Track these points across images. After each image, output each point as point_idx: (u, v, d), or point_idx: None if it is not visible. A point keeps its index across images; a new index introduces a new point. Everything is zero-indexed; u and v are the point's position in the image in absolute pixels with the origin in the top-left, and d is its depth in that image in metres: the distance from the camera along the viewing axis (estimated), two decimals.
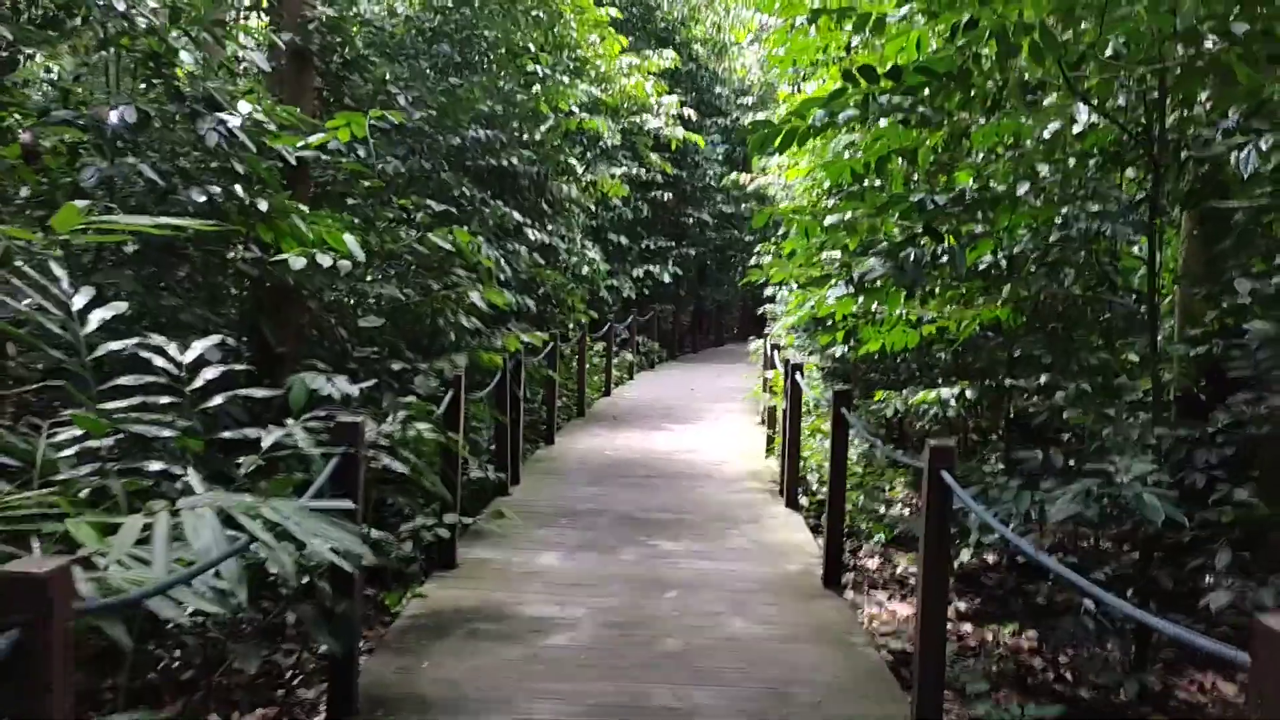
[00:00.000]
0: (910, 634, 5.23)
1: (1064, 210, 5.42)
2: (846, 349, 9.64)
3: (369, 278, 6.57)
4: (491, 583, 5.30)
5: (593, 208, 13.58)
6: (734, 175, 15.79)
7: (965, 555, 5.54)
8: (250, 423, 4.36)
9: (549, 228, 11.96)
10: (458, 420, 5.39)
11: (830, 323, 7.98)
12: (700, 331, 24.27)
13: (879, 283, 5.50)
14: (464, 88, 7.49)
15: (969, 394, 6.42)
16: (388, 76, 7.08)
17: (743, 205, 22.04)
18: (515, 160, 9.90)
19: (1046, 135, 5.68)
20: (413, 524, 4.77)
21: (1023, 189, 4.85)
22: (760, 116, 14.37)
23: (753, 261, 18.60)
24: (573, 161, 11.24)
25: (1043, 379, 6.22)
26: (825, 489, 7.97)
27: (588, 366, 13.48)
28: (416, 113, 6.81)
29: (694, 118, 13.87)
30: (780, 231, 18.82)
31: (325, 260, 4.49)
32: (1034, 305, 6.07)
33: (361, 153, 5.97)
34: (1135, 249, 6.24)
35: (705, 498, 7.60)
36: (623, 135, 12.52)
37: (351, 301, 6.57)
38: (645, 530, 6.51)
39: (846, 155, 10.18)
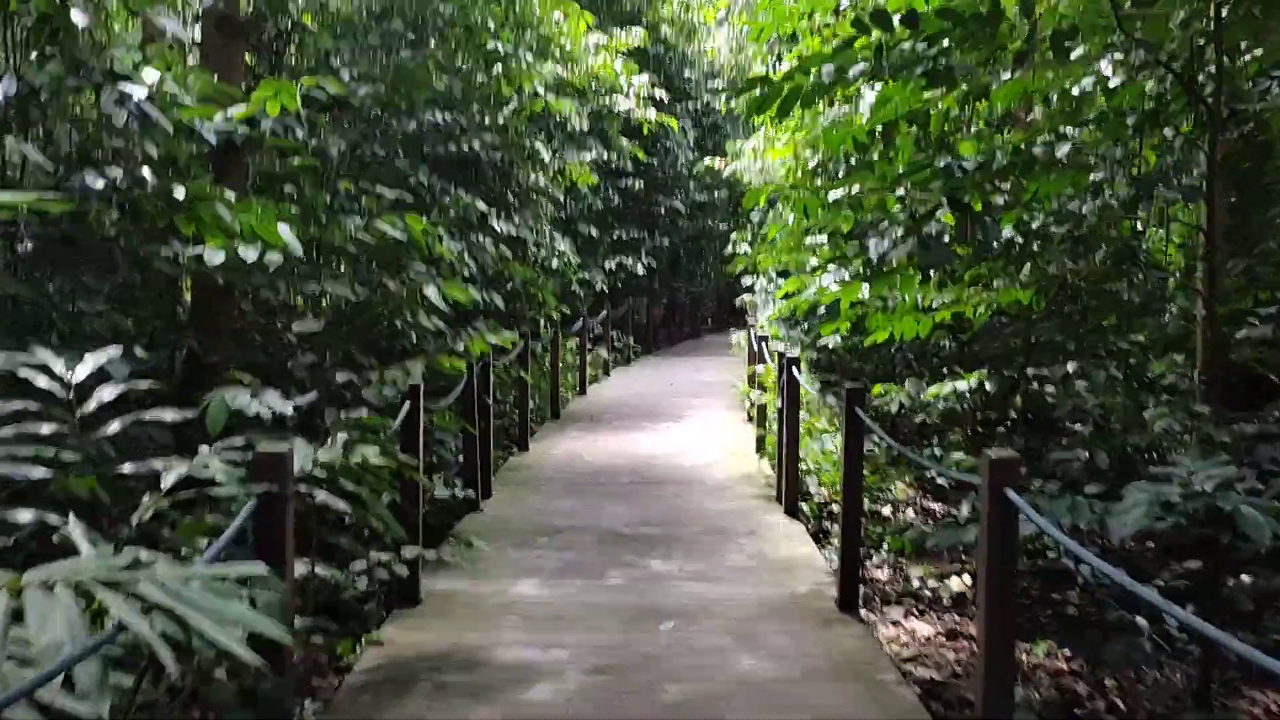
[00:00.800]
0: (937, 657, 4.60)
1: (1098, 176, 4.81)
2: (838, 339, 9.02)
3: (318, 274, 5.84)
4: (461, 621, 4.61)
5: (561, 197, 12.88)
6: (707, 161, 15.13)
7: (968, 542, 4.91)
8: (176, 450, 3.66)
9: (516, 219, 11.25)
10: (416, 437, 4.68)
11: (821, 312, 7.34)
12: (675, 324, 23.60)
13: (894, 264, 4.86)
14: (416, 64, 6.75)
15: (988, 386, 5.81)
16: (330, 49, 6.34)
17: (716, 193, 21.40)
18: (476, 145, 9.17)
19: (1076, 93, 5.06)
20: (364, 563, 4.07)
21: (1063, 150, 4.21)
22: (735, 102, 13.62)
23: (728, 250, 17.98)
24: (539, 147, 10.51)
25: (1070, 367, 5.62)
26: (825, 491, 7.37)
27: (561, 365, 12.78)
28: (362, 88, 6.07)
29: (665, 99, 13.18)
30: (758, 220, 18.21)
31: (249, 254, 3.77)
32: (1060, 285, 5.46)
33: (299, 132, 5.24)
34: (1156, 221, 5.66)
35: (696, 507, 6.94)
36: (591, 119, 11.80)
37: (301, 302, 5.85)
38: (633, 548, 5.84)
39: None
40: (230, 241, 3.93)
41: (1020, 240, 5.55)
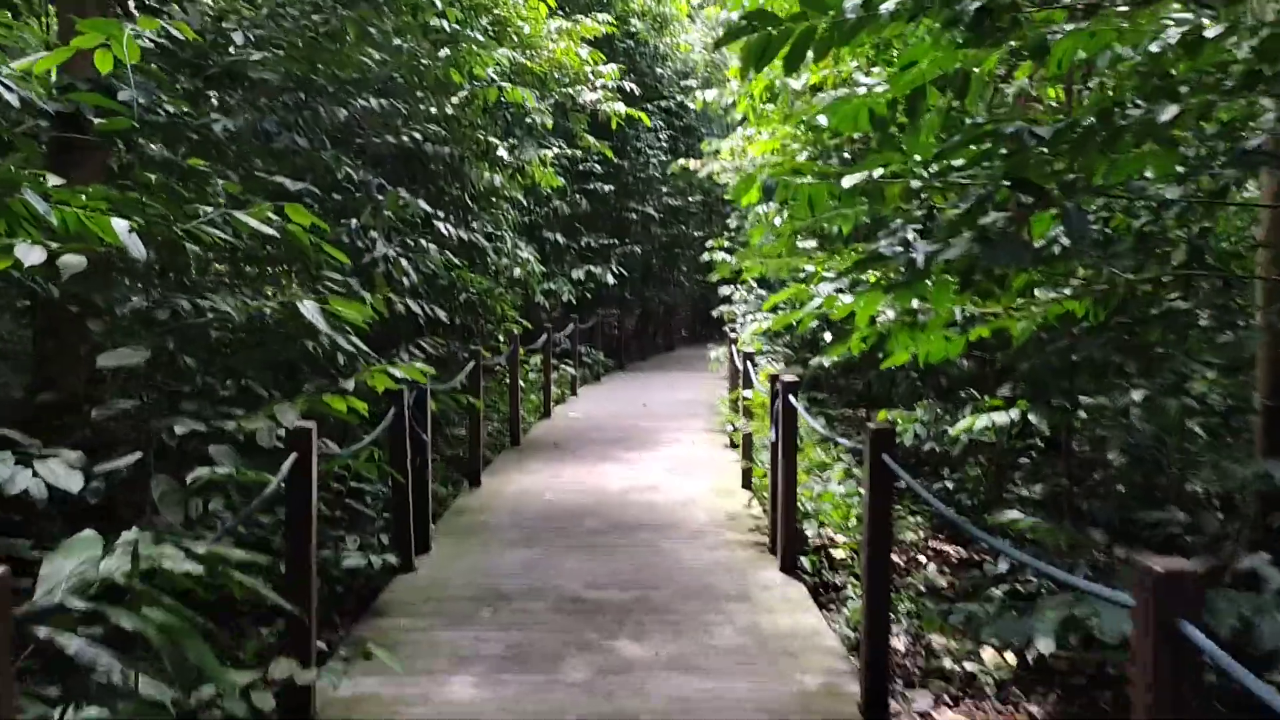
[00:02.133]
0: None
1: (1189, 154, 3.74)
2: (825, 359, 7.92)
3: (192, 283, 4.65)
4: None
5: (522, 199, 11.73)
6: (681, 162, 14.04)
7: (1043, 647, 3.79)
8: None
9: (473, 224, 10.10)
10: (306, 503, 3.51)
11: (808, 326, 6.24)
12: (648, 336, 22.45)
13: (927, 268, 3.74)
14: (335, 26, 5.58)
15: (1033, 419, 4.71)
16: (222, 10, 5.17)
17: (690, 198, 20.33)
18: (419, 136, 8.01)
19: (1154, 48, 3.98)
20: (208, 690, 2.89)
21: (1167, 114, 3.12)
22: (710, 95, 12.58)
23: (704, 257, 16.89)
24: (493, 141, 9.36)
25: (1136, 395, 4.54)
26: (827, 533, 6.26)
27: (523, 384, 11.61)
28: (255, 53, 4.89)
29: (636, 92, 12.06)
30: (735, 225, 17.13)
31: (33, 255, 2.61)
32: (1129, 294, 4.37)
33: (141, 98, 4.06)
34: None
35: (675, 561, 5.79)
36: (554, 112, 10.68)
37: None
38: (597, 623, 4.68)
39: (822, 118, 8.49)
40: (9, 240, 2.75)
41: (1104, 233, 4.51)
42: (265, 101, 6.92)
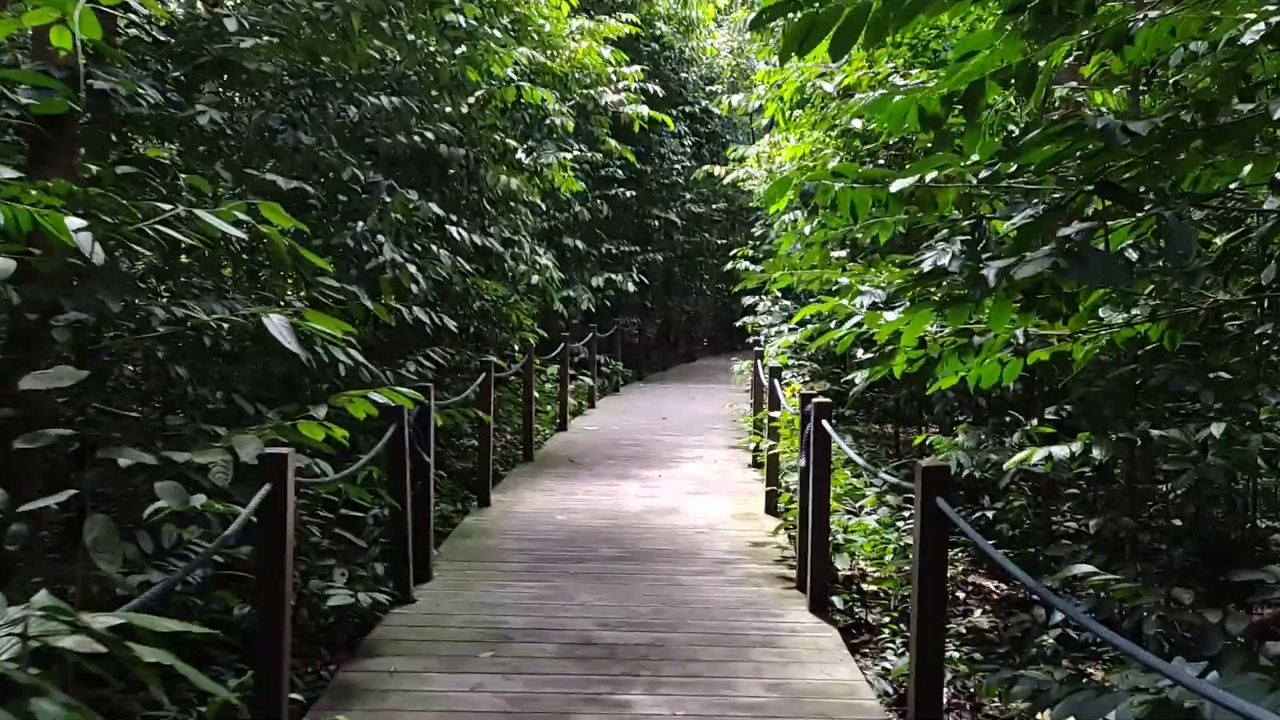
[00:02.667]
0: None
1: None
2: (859, 376, 7.44)
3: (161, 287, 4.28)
4: None
5: (541, 204, 11.34)
6: (706, 168, 13.61)
7: None
8: None
9: (490, 229, 9.71)
10: (280, 539, 3.09)
11: (827, 341, 5.81)
12: (669, 346, 21.97)
13: (987, 284, 3.28)
14: (337, 15, 5.19)
15: (1096, 453, 4.23)
16: None
17: (713, 205, 19.89)
18: (432, 136, 7.62)
19: (1248, 39, 3.52)
20: None
21: None
22: (736, 99, 12.16)
23: (728, 266, 16.43)
24: (511, 143, 8.97)
25: (1215, 430, 4.05)
26: (859, 565, 5.79)
27: (538, 395, 11.19)
28: (248, 40, 4.49)
29: (660, 93, 11.63)
30: (759, 234, 16.68)
31: None
32: (1214, 315, 3.89)
33: (121, 88, 3.67)
34: None
35: (696, 597, 5.33)
36: (574, 114, 10.27)
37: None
38: (609, 672, 4.24)
39: (856, 123, 8.01)
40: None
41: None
42: (270, 98, 6.56)
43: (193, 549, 3.61)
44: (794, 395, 7.61)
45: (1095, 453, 4.19)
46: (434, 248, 7.40)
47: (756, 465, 9.20)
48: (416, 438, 5.22)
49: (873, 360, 5.01)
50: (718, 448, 10.48)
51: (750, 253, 16.38)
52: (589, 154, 10.51)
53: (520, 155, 9.70)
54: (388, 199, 6.71)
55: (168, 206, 2.79)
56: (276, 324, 2.71)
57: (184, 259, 6.34)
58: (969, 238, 4.58)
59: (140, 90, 4.11)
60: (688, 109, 18.18)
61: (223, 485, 2.63)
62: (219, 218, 2.77)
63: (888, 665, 4.43)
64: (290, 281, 5.35)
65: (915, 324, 3.86)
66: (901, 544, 5.48)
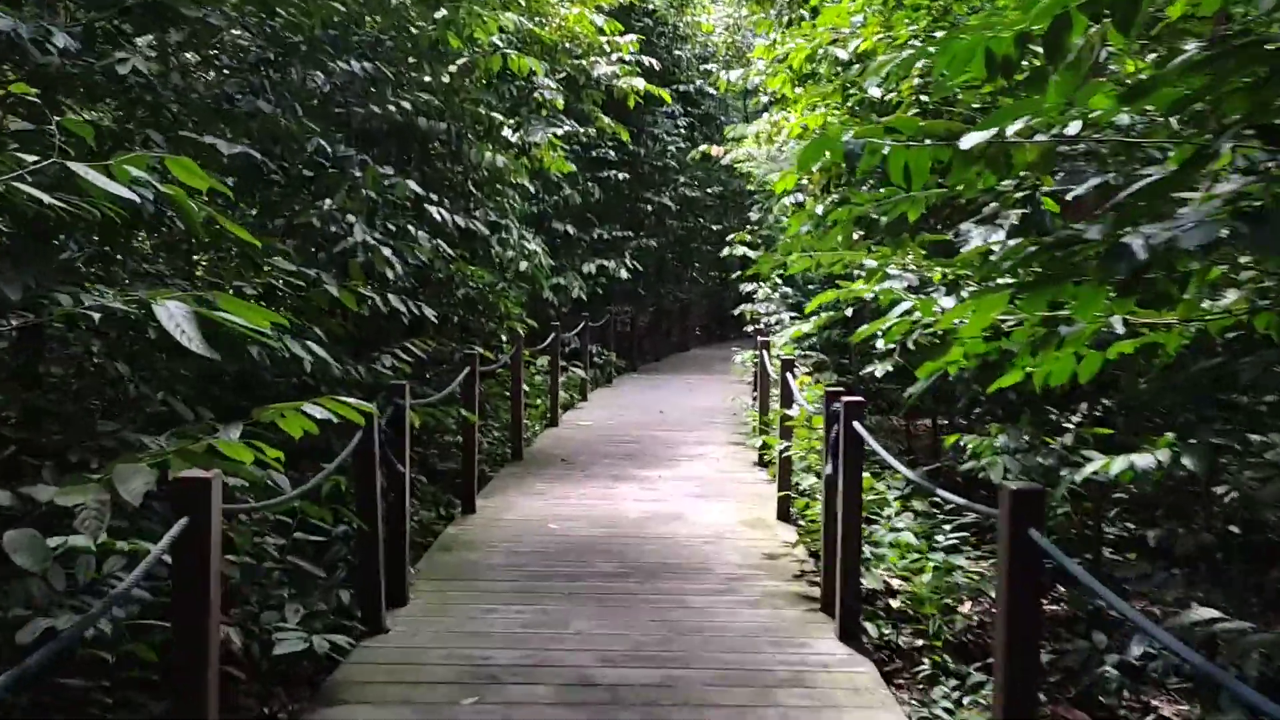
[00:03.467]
0: None
1: None
2: (884, 366, 6.81)
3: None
4: None
5: (529, 185, 10.65)
6: (703, 148, 12.94)
7: None
8: None
9: (475, 211, 9.02)
10: (201, 580, 2.43)
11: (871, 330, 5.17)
12: (661, 335, 21.31)
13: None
14: None
15: (1188, 462, 3.60)
16: None
17: (708, 189, 19.20)
18: (409, 106, 6.93)
19: None
20: None
21: None
22: (734, 75, 11.47)
23: (724, 252, 15.76)
24: (497, 116, 8.27)
25: None
26: (888, 581, 5.14)
27: (528, 388, 10.52)
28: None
29: (656, 67, 10.91)
30: (757, 218, 16.02)
31: None
32: None
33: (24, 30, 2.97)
34: None
35: (708, 622, 4.69)
36: (565, 88, 9.56)
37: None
38: None
39: (875, 90, 7.36)
40: None
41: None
42: (227, 60, 5.87)
43: (117, 580, 2.95)
44: (804, 389, 6.97)
45: (1186, 462, 3.55)
46: (412, 229, 6.71)
47: (763, 464, 8.56)
48: (389, 444, 4.56)
49: (915, 353, 4.37)
50: (719, 444, 9.84)
51: (749, 238, 15.72)
52: (581, 130, 9.80)
53: (507, 131, 9.01)
54: (358, 174, 6.02)
55: (31, 158, 2.11)
56: (173, 313, 2.02)
57: (145, 241, 5.67)
58: (1025, 211, 3.95)
59: (48, 36, 3.42)
60: (682, 88, 17.47)
61: (92, 534, 1.95)
62: (112, 175, 2.08)
63: (940, 716, 3.79)
64: (234, 265, 4.66)
65: (982, 311, 3.20)
66: (943, 563, 4.85)
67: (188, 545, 2.44)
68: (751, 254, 15.47)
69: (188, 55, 5.46)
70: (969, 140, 2.94)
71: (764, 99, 12.49)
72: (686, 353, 21.97)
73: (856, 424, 4.33)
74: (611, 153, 15.06)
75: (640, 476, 8.14)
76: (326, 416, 2.33)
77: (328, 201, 5.97)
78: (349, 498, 4.52)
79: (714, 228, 19.66)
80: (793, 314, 13.51)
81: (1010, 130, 2.98)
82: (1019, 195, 4.03)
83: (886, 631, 4.72)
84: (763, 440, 8.56)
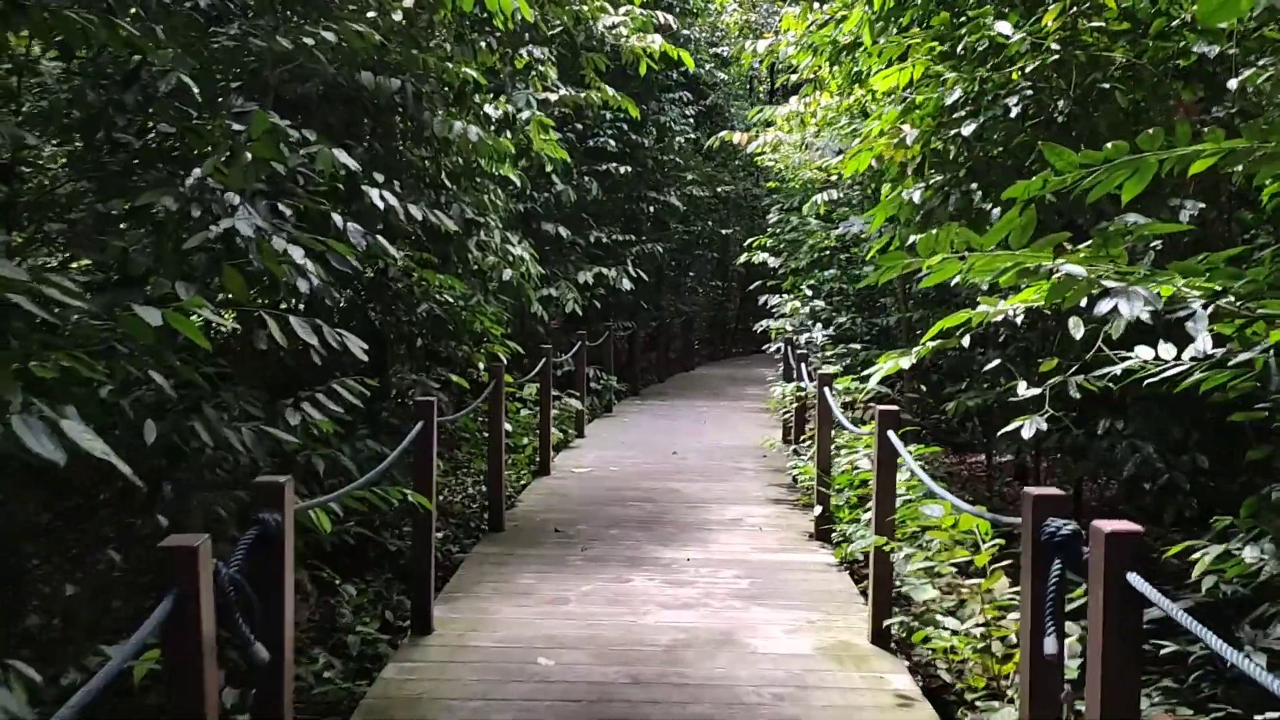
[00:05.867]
0: None
1: None
2: (1034, 423, 4.73)
3: None
4: None
5: (514, 178, 8.53)
6: (724, 134, 10.83)
7: None
8: None
9: (449, 206, 6.95)
10: None
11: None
12: (663, 353, 19.11)
13: None
14: None
15: None
16: None
17: (719, 188, 17.10)
18: (332, 38, 4.78)
19: None
20: None
21: None
22: (761, 46, 9.42)
23: (742, 258, 13.64)
24: (469, 73, 6.15)
25: None
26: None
27: (511, 428, 8.38)
28: None
29: (672, 24, 8.77)
30: (775, 220, 13.91)
31: None
32: None
33: None
34: None
35: None
36: (560, 48, 7.47)
37: None
38: None
39: (1005, 27, 5.45)
40: None
41: None
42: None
43: None
44: (915, 456, 4.84)
45: None
46: (338, 218, 4.56)
47: (820, 538, 6.44)
48: (239, 608, 2.40)
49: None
50: (757, 502, 7.71)
51: (769, 242, 13.65)
52: (579, 96, 7.63)
53: (482, 102, 6.90)
54: (238, 127, 3.88)
55: None
56: None
57: None
58: None
59: None
60: (691, 71, 15.33)
61: None
62: None
63: None
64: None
65: None
66: None
67: None
68: (773, 260, 13.40)
69: None
70: None
71: (794, 76, 10.43)
72: (691, 373, 19.81)
73: (1137, 581, 2.18)
74: (612, 142, 12.96)
75: (661, 560, 5.99)
76: None
77: (196, 172, 3.83)
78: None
79: (725, 232, 17.57)
80: (827, 332, 11.41)
81: None
82: None
83: None
84: (822, 511, 6.44)
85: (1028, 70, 5.33)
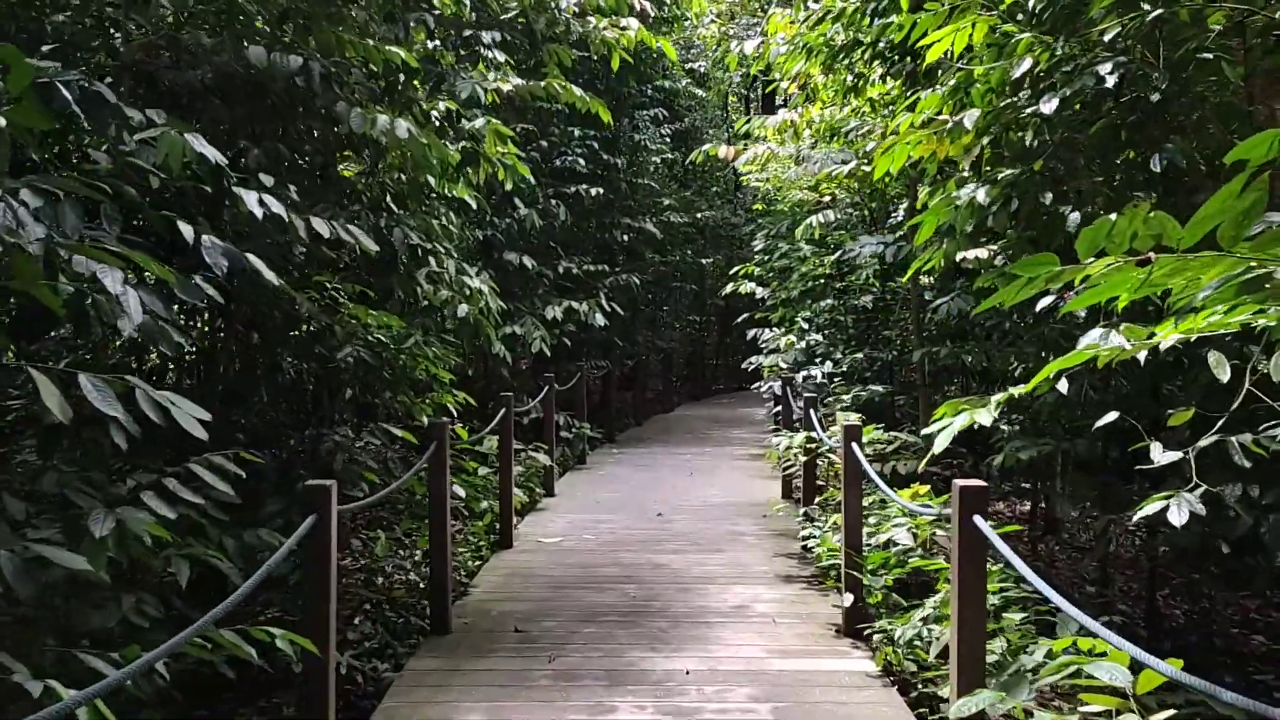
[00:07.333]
0: None
1: None
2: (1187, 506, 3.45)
3: None
4: None
5: (471, 201, 7.25)
6: (708, 148, 9.60)
7: None
8: None
9: (392, 230, 5.66)
10: None
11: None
12: (639, 393, 17.76)
13: None
14: None
15: None
16: None
17: (699, 214, 15.88)
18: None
19: None
20: None
21: None
22: (749, 46, 8.45)
23: (728, 288, 12.41)
24: (397, 52, 4.82)
25: None
26: None
27: (463, 493, 6.96)
28: None
29: (649, 10, 7.53)
30: (760, 247, 12.73)
31: None
32: None
33: None
34: None
35: None
36: (517, 32, 6.18)
37: None
38: None
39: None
40: None
41: None
42: None
43: None
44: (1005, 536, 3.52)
45: None
46: (184, 226, 3.19)
47: (847, 635, 5.08)
48: None
49: None
50: (763, 579, 6.35)
51: (755, 270, 12.41)
52: (539, 90, 6.31)
53: (419, 96, 5.61)
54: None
55: None
56: None
57: None
58: None
59: None
60: (666, 84, 14.15)
61: None
62: None
63: None
64: None
65: None
66: None
67: None
68: (761, 290, 12.16)
69: None
70: None
71: (785, 84, 9.24)
72: (671, 414, 18.45)
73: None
74: (581, 161, 11.69)
75: (652, 674, 4.60)
76: None
77: None
78: None
79: (705, 261, 16.33)
80: (826, 369, 10.15)
81: None
82: None
83: None
84: (854, 601, 5.08)
85: (1108, 38, 4.11)
